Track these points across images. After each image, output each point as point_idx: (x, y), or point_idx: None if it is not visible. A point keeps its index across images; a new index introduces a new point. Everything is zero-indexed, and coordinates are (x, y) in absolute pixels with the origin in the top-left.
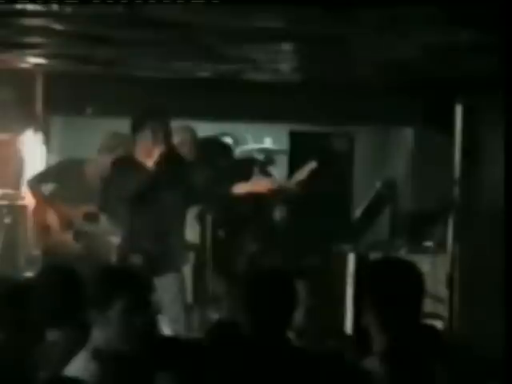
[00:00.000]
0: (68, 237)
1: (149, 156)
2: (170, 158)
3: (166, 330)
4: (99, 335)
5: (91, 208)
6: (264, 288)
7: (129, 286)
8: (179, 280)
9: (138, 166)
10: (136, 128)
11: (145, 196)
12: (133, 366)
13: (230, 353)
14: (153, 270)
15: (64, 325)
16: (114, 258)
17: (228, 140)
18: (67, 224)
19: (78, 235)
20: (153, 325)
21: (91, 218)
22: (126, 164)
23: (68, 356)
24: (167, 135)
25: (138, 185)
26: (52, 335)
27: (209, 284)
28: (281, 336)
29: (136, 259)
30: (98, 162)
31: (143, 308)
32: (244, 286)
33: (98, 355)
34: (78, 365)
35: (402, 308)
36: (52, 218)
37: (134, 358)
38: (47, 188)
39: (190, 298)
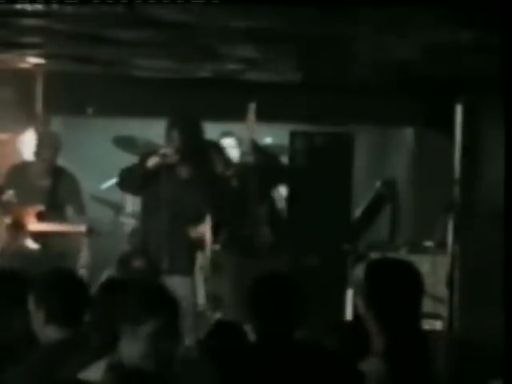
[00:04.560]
0: (27, 240)
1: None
2: (185, 161)
3: None
4: (123, 349)
5: (40, 207)
6: (270, 291)
7: (166, 309)
8: (188, 283)
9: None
10: (166, 132)
11: (155, 197)
12: None
13: (229, 352)
14: (157, 273)
15: (64, 325)
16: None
17: (231, 141)
18: (23, 226)
19: (36, 236)
20: (177, 350)
21: (43, 217)
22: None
23: (67, 359)
24: (185, 138)
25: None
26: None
27: (211, 286)
28: (288, 339)
29: (138, 263)
30: None
31: (173, 333)
32: (250, 289)
33: (117, 368)
34: (96, 373)
35: (401, 308)
36: (8, 223)
37: (152, 378)
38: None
39: (200, 301)
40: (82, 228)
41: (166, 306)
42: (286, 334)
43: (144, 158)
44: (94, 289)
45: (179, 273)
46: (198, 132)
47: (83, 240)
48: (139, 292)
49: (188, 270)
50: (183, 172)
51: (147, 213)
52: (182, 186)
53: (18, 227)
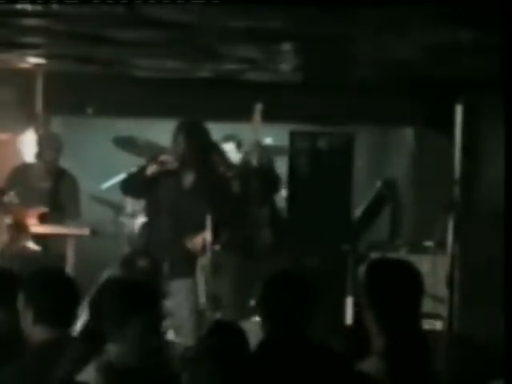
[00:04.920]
0: (29, 242)
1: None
2: (189, 166)
3: (172, 335)
4: (112, 348)
5: (43, 209)
6: (284, 291)
7: (149, 306)
8: (188, 285)
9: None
10: (173, 136)
11: (158, 202)
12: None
13: (228, 352)
14: (160, 273)
15: (52, 326)
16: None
17: (231, 144)
18: (25, 228)
19: (38, 238)
20: (164, 345)
21: (45, 218)
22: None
23: (58, 359)
24: (190, 144)
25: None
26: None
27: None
28: (299, 338)
29: (142, 263)
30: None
31: (158, 329)
32: (263, 288)
33: (108, 368)
34: (88, 374)
35: (401, 308)
36: (10, 224)
37: (143, 375)
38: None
39: (201, 301)
40: (86, 231)
41: (149, 304)
42: (297, 334)
43: (149, 162)
44: (93, 289)
45: (180, 276)
46: (203, 137)
47: (69, 242)
48: (122, 292)
49: (189, 272)
50: (186, 178)
51: (150, 217)
52: (185, 193)
53: (19, 229)
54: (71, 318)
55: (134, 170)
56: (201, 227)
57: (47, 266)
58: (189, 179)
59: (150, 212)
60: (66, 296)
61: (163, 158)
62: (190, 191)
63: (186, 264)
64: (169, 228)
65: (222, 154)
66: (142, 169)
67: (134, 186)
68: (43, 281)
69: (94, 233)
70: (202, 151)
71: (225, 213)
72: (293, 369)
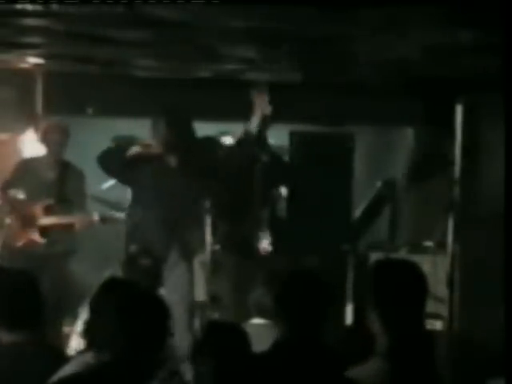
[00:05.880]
0: (34, 235)
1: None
2: (173, 151)
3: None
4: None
5: (48, 201)
6: (303, 289)
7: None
8: (185, 280)
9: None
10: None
11: (147, 190)
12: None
13: (226, 352)
14: (161, 274)
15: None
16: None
17: (228, 139)
18: (31, 221)
19: (43, 231)
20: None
21: (50, 211)
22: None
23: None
24: (177, 133)
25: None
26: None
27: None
28: (319, 337)
29: (145, 261)
30: None
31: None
32: (282, 287)
33: None
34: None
35: (405, 308)
36: (16, 218)
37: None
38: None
39: (198, 297)
40: (95, 217)
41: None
42: (316, 334)
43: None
44: (94, 288)
45: (179, 261)
46: (185, 122)
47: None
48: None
49: (187, 256)
50: (171, 160)
51: (143, 207)
52: (173, 174)
53: (25, 223)
54: (34, 321)
55: (113, 145)
56: (194, 208)
57: (9, 267)
58: (174, 161)
59: (142, 202)
60: (26, 299)
61: (147, 141)
62: (178, 171)
63: (182, 257)
64: (163, 214)
65: (217, 142)
66: (123, 148)
67: (112, 162)
68: (1, 284)
69: (103, 220)
70: (184, 136)
71: (221, 197)
72: (311, 369)
